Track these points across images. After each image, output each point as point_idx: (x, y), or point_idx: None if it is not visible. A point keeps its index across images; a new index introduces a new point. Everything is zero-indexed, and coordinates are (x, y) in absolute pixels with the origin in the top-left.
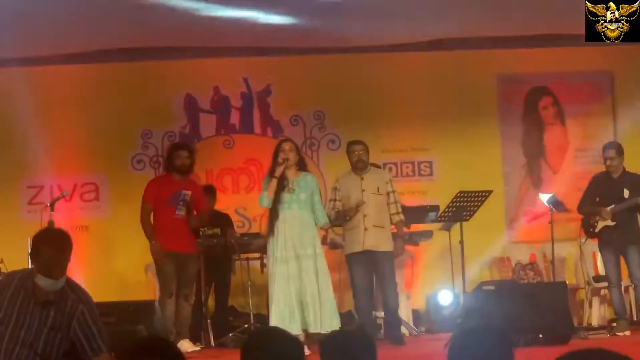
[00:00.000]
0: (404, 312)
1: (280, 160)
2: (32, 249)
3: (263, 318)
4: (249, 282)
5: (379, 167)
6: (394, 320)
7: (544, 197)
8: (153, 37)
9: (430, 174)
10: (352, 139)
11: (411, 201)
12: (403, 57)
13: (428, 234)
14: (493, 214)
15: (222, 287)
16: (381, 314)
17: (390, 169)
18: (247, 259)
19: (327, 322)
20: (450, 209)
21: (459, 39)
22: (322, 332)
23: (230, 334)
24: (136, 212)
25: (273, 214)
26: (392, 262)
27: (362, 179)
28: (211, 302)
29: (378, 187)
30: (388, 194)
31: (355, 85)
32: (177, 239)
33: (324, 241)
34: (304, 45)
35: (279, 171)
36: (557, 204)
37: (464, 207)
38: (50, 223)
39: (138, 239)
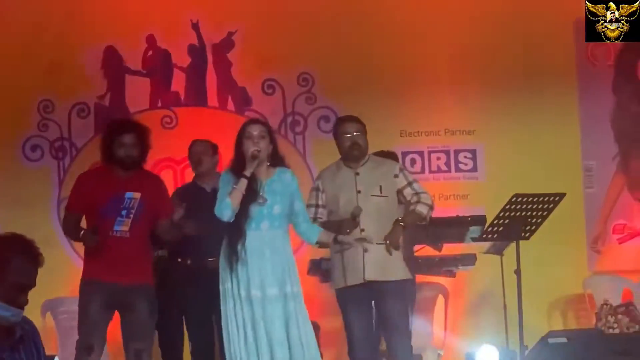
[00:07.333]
0: None
1: (250, 152)
2: None
3: None
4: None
5: (392, 154)
6: None
7: None
8: None
9: (474, 169)
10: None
11: (445, 209)
12: None
13: (469, 259)
14: (567, 230)
15: (201, 343)
16: None
17: (414, 161)
18: None
19: None
20: (503, 222)
21: None
22: None
23: None
24: (30, 226)
25: (234, 233)
26: (403, 298)
27: (358, 174)
28: None
29: (381, 186)
30: (399, 192)
31: (360, 34)
32: (117, 265)
33: (310, 269)
34: None
35: (250, 168)
36: None
37: (523, 218)
38: None
39: None
